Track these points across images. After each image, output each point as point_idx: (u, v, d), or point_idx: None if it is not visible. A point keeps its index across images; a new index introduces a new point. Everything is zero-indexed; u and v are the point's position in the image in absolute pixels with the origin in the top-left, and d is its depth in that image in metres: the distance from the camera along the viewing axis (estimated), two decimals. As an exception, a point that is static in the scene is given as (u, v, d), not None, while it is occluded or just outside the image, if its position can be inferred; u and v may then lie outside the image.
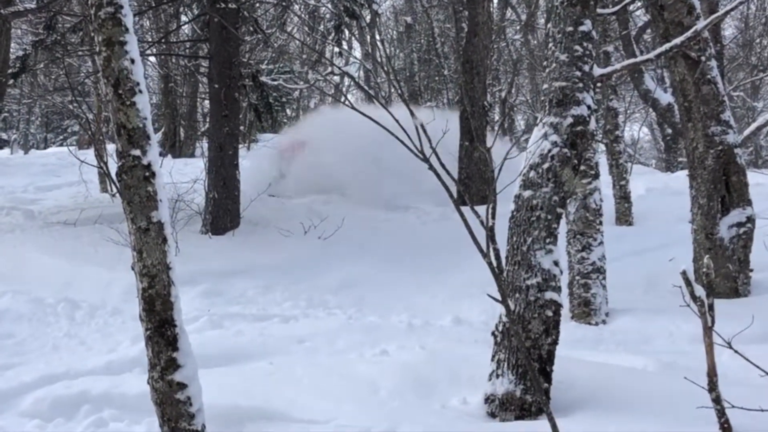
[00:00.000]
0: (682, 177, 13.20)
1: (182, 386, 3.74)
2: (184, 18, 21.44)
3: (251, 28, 16.93)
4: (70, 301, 9.48)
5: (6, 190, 17.44)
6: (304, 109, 38.01)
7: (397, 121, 4.37)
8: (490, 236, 3.94)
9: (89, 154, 18.27)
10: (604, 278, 9.66)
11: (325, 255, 12.04)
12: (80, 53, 17.27)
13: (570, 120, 6.14)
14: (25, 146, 33.61)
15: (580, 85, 6.22)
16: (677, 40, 7.26)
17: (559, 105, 6.19)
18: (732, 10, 7.71)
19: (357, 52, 29.91)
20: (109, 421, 5.96)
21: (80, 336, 8.60)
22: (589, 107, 6.25)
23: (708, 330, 4.99)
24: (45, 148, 33.81)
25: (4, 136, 34.87)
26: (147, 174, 3.71)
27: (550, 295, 5.96)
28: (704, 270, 5.05)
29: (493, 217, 3.96)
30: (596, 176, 9.91)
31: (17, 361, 7.57)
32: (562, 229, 6.79)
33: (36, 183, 18.78)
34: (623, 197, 14.62)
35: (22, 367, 7.32)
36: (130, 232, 3.74)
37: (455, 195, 4.37)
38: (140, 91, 3.74)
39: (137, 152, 3.70)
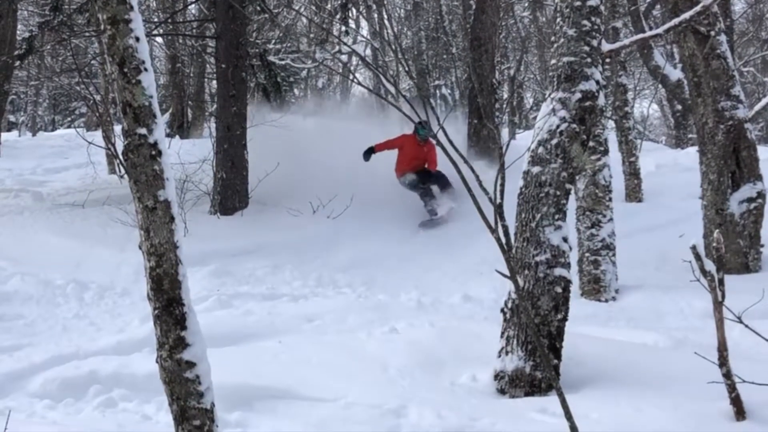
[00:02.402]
0: (692, 153, 13.14)
1: (191, 365, 3.73)
2: (190, -2, 21.36)
3: (258, 7, 16.87)
4: (79, 282, 9.49)
5: (14, 172, 17.45)
6: (312, 89, 37.95)
7: (408, 101, 4.34)
8: (499, 213, 3.92)
9: (97, 136, 18.25)
10: (614, 255, 9.63)
11: (334, 234, 12.03)
12: (86, 34, 17.22)
13: (578, 95, 6.10)
14: (33, 128, 33.63)
15: (588, 59, 6.17)
16: (686, 15, 7.21)
17: (567, 80, 6.15)
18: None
19: (364, 31, 29.79)
20: (119, 401, 5.98)
21: (89, 317, 8.62)
22: (597, 82, 6.21)
23: (718, 305, 4.97)
24: (53, 130, 33.77)
25: (12, 118, 34.89)
26: (153, 152, 3.68)
27: (559, 271, 5.94)
28: (714, 245, 5.03)
29: (502, 195, 3.93)
30: (606, 152, 9.86)
31: (27, 342, 7.59)
32: (572, 205, 6.77)
33: (44, 165, 18.78)
34: (633, 174, 14.55)
35: (31, 347, 7.34)
36: (137, 211, 3.72)
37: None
38: (146, 70, 3.70)
39: (143, 131, 3.67)
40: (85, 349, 7.13)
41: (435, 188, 13.57)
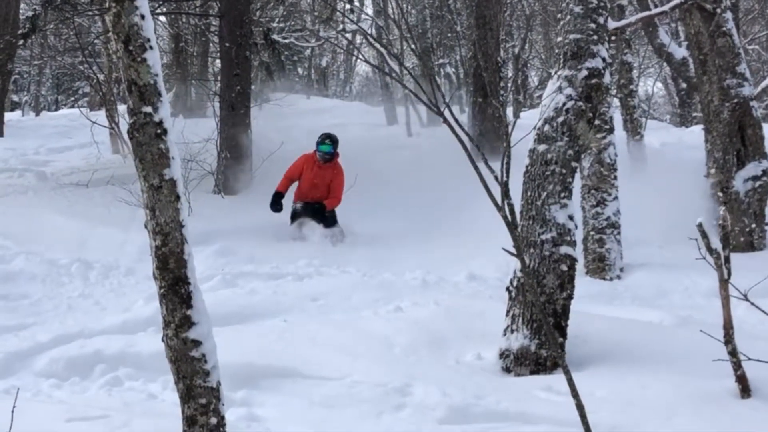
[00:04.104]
0: (697, 132, 13.11)
1: (197, 343, 3.73)
2: (193, -24, 21.25)
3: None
4: (83, 261, 9.49)
5: (18, 152, 17.42)
6: (316, 68, 37.84)
7: (414, 78, 4.32)
8: (505, 191, 3.90)
9: (100, 116, 18.21)
10: (619, 233, 9.63)
11: (338, 213, 12.02)
12: (90, 13, 17.15)
13: (585, 73, 6.08)
14: (37, 108, 33.55)
15: (595, 37, 6.14)
16: (693, -9, 7.16)
17: (573, 58, 6.12)
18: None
19: (369, 9, 29.66)
20: (125, 380, 5.98)
21: (94, 296, 8.62)
22: (603, 60, 6.18)
23: (724, 283, 4.97)
24: (56, 109, 33.75)
25: (16, 98, 34.84)
26: (159, 131, 3.67)
27: (564, 249, 5.93)
28: (720, 222, 5.01)
29: (508, 173, 3.91)
30: (611, 131, 9.84)
31: (32, 321, 7.59)
32: (577, 184, 6.75)
33: (48, 145, 18.75)
34: (638, 152, 14.52)
35: (36, 327, 7.34)
36: (142, 190, 3.71)
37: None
38: (151, 48, 3.68)
39: (148, 109, 3.65)
40: (90, 329, 7.12)
41: (315, 224, 11.43)
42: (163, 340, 3.75)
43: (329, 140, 11.56)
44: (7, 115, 23.09)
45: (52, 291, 8.69)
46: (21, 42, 19.01)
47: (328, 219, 11.45)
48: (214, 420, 3.80)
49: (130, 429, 4.44)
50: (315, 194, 11.52)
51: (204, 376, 3.76)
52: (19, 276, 8.95)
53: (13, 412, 2.94)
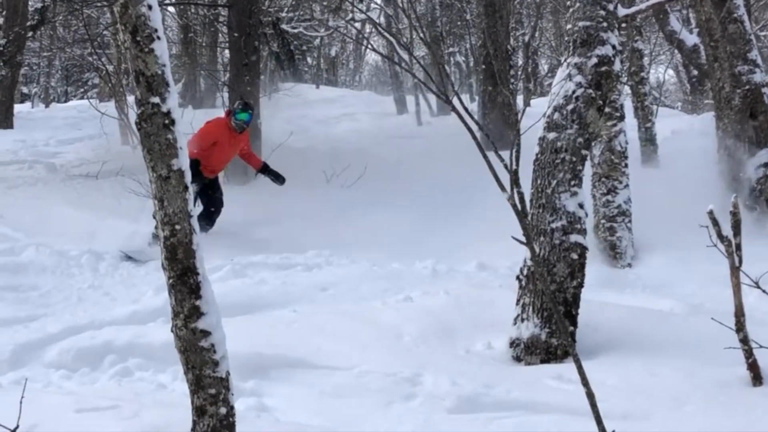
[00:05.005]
0: (708, 119, 13.02)
1: (206, 334, 3.73)
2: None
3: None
4: (93, 252, 9.50)
5: (28, 144, 17.44)
6: (325, 58, 37.79)
7: (423, 67, 4.30)
8: (515, 179, 3.88)
9: (110, 107, 18.24)
10: (630, 221, 9.59)
11: (348, 203, 12.01)
12: (98, 4, 17.16)
13: (594, 60, 6.04)
14: (46, 100, 33.59)
15: (605, 24, 6.10)
16: (704, -23, 7.10)
17: (583, 45, 6.08)
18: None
19: (377, -2, 29.61)
20: (134, 371, 5.99)
21: (104, 287, 8.64)
22: (613, 47, 6.14)
23: (735, 270, 4.94)
24: (66, 101, 33.80)
25: (25, 90, 34.91)
26: (167, 121, 3.66)
27: (575, 237, 5.91)
28: (732, 210, 4.98)
29: (518, 161, 3.89)
30: (621, 118, 9.79)
31: (42, 312, 7.61)
32: (587, 172, 6.72)
33: (57, 136, 18.77)
34: (649, 139, 14.45)
35: (46, 318, 7.36)
36: (150, 180, 3.70)
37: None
38: (158, 38, 3.67)
39: (156, 99, 3.64)
40: (100, 320, 7.14)
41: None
42: (172, 331, 3.75)
43: (249, 108, 10.54)
44: (17, 107, 23.14)
45: (61, 282, 8.70)
46: (30, 33, 19.04)
47: (218, 200, 10.55)
48: (223, 410, 3.80)
49: (139, 419, 4.44)
50: (222, 167, 10.79)
51: (213, 366, 3.76)
52: (29, 267, 8.97)
53: (21, 402, 2.93)
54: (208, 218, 10.34)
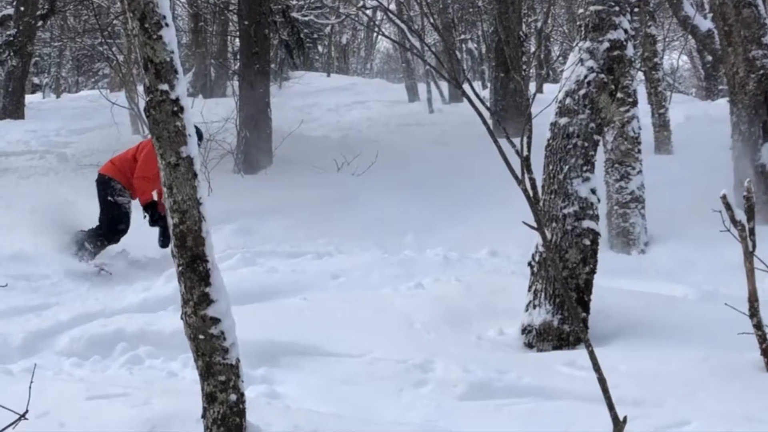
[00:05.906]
0: (722, 105, 12.96)
1: (215, 321, 3.72)
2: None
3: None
4: (104, 241, 9.49)
5: (39, 134, 17.46)
6: (336, 46, 37.73)
7: (435, 54, 4.27)
8: (526, 165, 3.85)
9: (120, 97, 18.24)
10: (643, 207, 9.55)
11: (359, 191, 11.98)
12: (108, -7, 17.16)
13: (606, 44, 5.99)
14: (57, 90, 33.64)
15: (617, 8, 6.05)
16: (717, -40, 7.04)
17: (595, 29, 6.04)
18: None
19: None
20: (145, 358, 5.99)
21: (115, 275, 8.65)
22: (626, 31, 6.09)
23: (749, 255, 4.90)
24: (76, 91, 33.84)
25: (36, 80, 34.97)
26: (175, 109, 3.64)
27: (587, 223, 5.87)
28: (746, 194, 4.94)
29: (529, 147, 3.86)
30: (634, 104, 9.74)
31: (53, 301, 7.62)
32: (600, 158, 6.67)
33: (68, 126, 18.78)
34: (662, 125, 14.37)
35: (58, 306, 7.36)
36: (159, 168, 3.69)
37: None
38: (167, 25, 3.64)
39: (165, 87, 3.62)
40: (110, 308, 7.15)
41: None
42: (181, 318, 3.74)
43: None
44: (28, 98, 23.19)
45: (72, 271, 8.71)
46: (40, 23, 19.04)
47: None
48: (233, 396, 3.79)
49: (150, 406, 4.44)
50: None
51: (223, 354, 3.75)
52: (41, 257, 8.98)
53: (30, 388, 2.92)
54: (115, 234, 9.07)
